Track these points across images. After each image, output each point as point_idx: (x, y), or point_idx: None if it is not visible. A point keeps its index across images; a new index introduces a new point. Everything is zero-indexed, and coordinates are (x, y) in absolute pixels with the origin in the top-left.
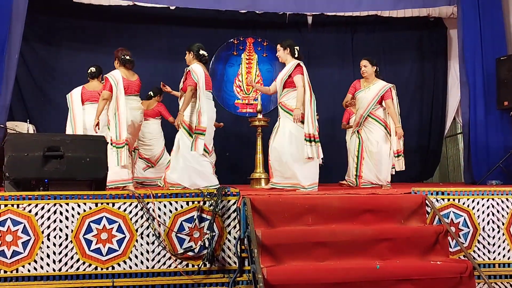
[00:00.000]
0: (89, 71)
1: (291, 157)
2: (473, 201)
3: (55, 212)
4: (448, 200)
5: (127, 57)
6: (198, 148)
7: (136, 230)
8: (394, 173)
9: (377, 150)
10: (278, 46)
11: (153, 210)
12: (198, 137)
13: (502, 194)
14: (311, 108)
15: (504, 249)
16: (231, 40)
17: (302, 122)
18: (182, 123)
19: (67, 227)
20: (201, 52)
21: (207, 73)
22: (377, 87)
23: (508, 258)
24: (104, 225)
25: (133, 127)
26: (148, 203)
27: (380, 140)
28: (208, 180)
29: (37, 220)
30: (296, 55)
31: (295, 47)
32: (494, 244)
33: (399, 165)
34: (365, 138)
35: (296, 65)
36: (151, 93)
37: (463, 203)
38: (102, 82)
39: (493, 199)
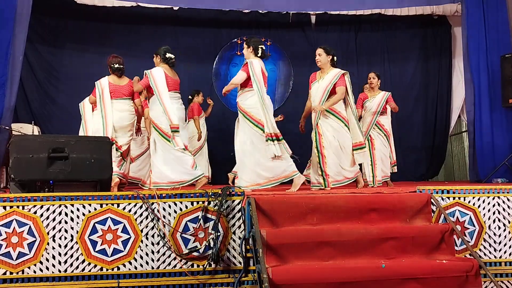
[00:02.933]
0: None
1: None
2: (478, 199)
3: (60, 213)
4: (454, 198)
5: (116, 66)
6: (178, 143)
7: (141, 231)
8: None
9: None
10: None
11: (158, 211)
12: (174, 134)
13: (508, 192)
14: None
15: (510, 247)
16: (235, 40)
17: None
18: (153, 125)
19: (72, 228)
20: (168, 55)
21: (172, 75)
22: (330, 76)
23: None
24: (109, 226)
25: (121, 127)
26: (152, 203)
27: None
28: (190, 173)
29: (42, 222)
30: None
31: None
32: (500, 243)
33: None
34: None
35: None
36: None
37: (469, 202)
38: None
39: (498, 197)
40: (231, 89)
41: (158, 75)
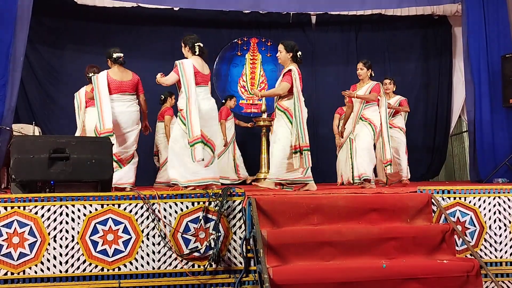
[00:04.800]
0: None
1: None
2: (479, 199)
3: (61, 214)
4: (454, 198)
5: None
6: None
7: (142, 231)
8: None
9: None
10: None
11: (159, 211)
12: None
13: (508, 192)
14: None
15: (511, 247)
16: (235, 40)
17: None
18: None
19: (73, 228)
20: (115, 55)
21: (120, 76)
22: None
23: None
24: (110, 226)
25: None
26: (153, 204)
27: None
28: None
29: (43, 222)
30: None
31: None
32: (501, 243)
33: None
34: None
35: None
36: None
37: (469, 202)
38: None
39: (499, 197)
40: None
41: (101, 79)
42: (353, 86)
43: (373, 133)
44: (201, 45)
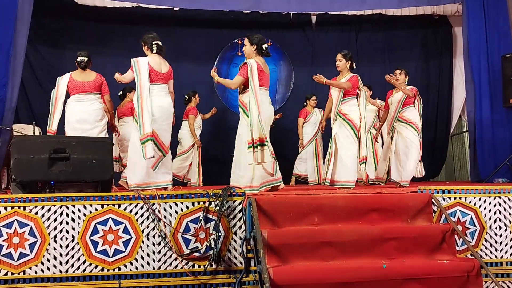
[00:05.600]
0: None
1: None
2: (479, 199)
3: (61, 214)
4: (455, 198)
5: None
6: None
7: (142, 231)
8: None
9: None
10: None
11: (159, 211)
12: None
13: (509, 192)
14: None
15: (511, 247)
16: (235, 40)
17: None
18: None
19: (73, 228)
20: (78, 58)
21: (81, 77)
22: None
23: None
24: (110, 226)
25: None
26: (153, 204)
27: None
28: None
29: (43, 222)
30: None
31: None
32: (501, 243)
33: None
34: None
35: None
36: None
37: (470, 202)
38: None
39: (499, 197)
40: None
41: (62, 81)
42: (333, 79)
43: (353, 131)
44: (159, 43)
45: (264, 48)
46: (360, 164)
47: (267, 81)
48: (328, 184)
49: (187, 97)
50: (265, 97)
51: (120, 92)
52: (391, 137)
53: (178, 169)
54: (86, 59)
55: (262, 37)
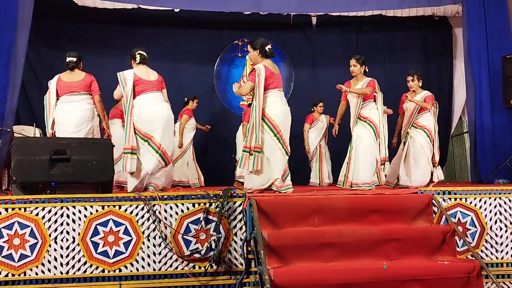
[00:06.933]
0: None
1: None
2: (480, 200)
3: (62, 215)
4: (455, 199)
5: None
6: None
7: (143, 233)
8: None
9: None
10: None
11: (160, 212)
12: None
13: (509, 193)
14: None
15: None
16: (236, 41)
17: None
18: None
19: (74, 230)
20: (67, 59)
21: (69, 78)
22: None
23: None
24: (111, 227)
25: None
26: (154, 205)
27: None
28: None
29: (44, 223)
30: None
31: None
32: (502, 244)
33: None
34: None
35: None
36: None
37: (470, 203)
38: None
39: (500, 198)
40: None
41: (51, 84)
42: (347, 83)
43: (374, 133)
44: (142, 52)
45: (268, 50)
46: (381, 165)
47: (279, 82)
48: (348, 187)
49: (185, 99)
50: (280, 99)
51: (185, 99)
52: (404, 142)
53: (185, 175)
54: (74, 59)
55: (263, 40)
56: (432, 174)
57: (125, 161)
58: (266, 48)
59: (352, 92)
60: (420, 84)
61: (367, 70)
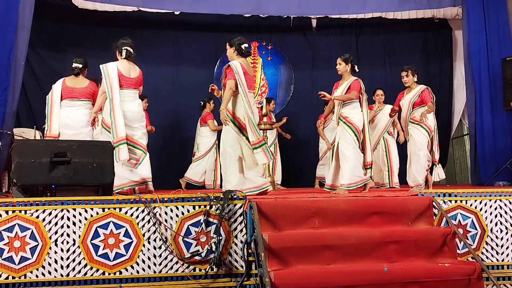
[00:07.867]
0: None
1: None
2: (480, 202)
3: (62, 218)
4: (456, 201)
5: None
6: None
7: (143, 235)
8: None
9: None
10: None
11: (160, 215)
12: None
13: (509, 195)
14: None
15: None
16: None
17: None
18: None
19: (74, 232)
20: (73, 65)
21: (72, 84)
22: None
23: None
24: (111, 230)
25: None
26: (154, 207)
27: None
28: None
29: (44, 226)
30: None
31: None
32: (502, 246)
33: None
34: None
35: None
36: None
37: (471, 205)
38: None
39: (500, 200)
40: None
41: (56, 86)
42: (336, 83)
43: (355, 135)
44: (129, 49)
45: (244, 48)
46: (366, 169)
47: (252, 83)
48: (328, 189)
49: (202, 103)
50: (251, 100)
51: (202, 103)
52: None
53: (195, 175)
54: (80, 66)
55: (241, 38)
56: (432, 173)
57: (118, 152)
58: (243, 46)
59: (337, 99)
60: (415, 79)
61: (356, 70)
